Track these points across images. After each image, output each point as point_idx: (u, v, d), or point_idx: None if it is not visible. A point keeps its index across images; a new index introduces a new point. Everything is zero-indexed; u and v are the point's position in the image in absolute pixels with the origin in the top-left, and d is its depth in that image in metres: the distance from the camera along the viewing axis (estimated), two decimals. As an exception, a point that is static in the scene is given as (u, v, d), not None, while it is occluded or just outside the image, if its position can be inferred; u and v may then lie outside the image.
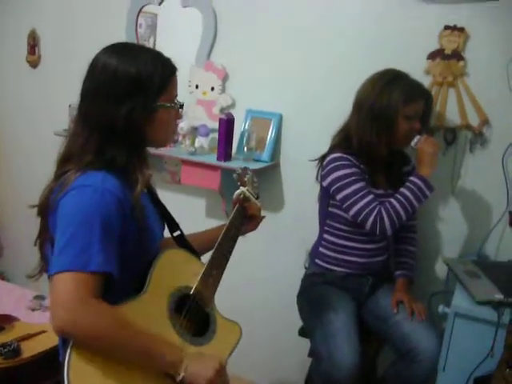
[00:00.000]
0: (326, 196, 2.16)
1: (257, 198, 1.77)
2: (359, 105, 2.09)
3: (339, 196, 2.05)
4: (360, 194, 2.01)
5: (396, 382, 2.06)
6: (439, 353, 1.90)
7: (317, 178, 2.22)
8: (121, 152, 1.36)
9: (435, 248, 2.39)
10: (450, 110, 2.25)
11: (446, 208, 2.34)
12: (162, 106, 1.40)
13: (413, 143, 2.08)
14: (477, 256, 2.25)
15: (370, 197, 2.01)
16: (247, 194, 1.72)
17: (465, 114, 2.23)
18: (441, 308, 1.94)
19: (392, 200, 2.02)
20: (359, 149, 2.07)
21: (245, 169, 1.85)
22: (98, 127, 1.35)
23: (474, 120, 2.22)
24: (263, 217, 1.80)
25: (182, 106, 1.48)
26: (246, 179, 1.79)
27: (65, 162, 1.37)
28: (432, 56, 2.24)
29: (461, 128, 2.25)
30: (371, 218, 1.99)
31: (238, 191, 1.73)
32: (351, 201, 2.02)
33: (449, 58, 2.20)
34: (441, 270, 2.33)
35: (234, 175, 1.80)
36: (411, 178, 2.03)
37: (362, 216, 2.00)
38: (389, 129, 2.03)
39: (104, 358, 1.24)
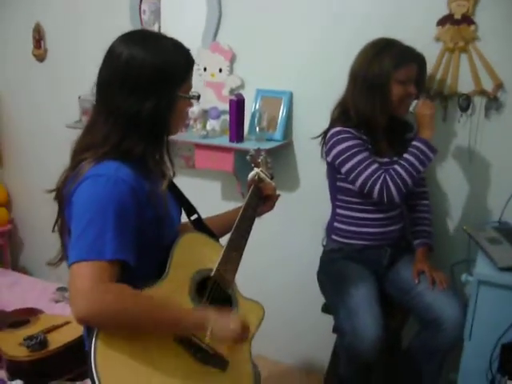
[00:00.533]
0: (333, 171, 2.17)
1: (271, 179, 1.76)
2: (353, 76, 2.10)
3: (344, 169, 2.05)
4: (364, 165, 2.01)
5: (422, 353, 2.06)
6: (464, 321, 1.89)
7: (322, 155, 2.21)
8: (140, 142, 1.35)
9: (455, 217, 2.37)
10: (463, 77, 2.21)
11: (464, 176, 2.31)
12: (182, 97, 1.40)
13: (411, 108, 2.09)
14: (498, 223, 2.22)
15: (375, 166, 2.01)
16: (262, 175, 1.71)
17: (478, 80, 2.19)
18: (464, 276, 1.92)
19: (396, 166, 2.02)
20: (358, 120, 2.07)
21: (258, 150, 1.83)
22: (123, 119, 1.34)
23: (487, 85, 2.18)
24: (278, 195, 1.79)
25: (199, 97, 1.47)
26: (259, 160, 1.78)
27: (82, 152, 1.36)
28: (441, 22, 2.19)
29: (475, 94, 2.21)
30: (377, 187, 1.99)
31: (252, 172, 1.72)
32: (356, 172, 2.02)
33: (459, 23, 2.16)
34: (462, 238, 2.30)
35: (248, 157, 1.79)
36: (413, 143, 2.04)
37: (368, 186, 2.01)
38: (383, 96, 2.04)
39: (130, 345, 1.24)
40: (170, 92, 1.37)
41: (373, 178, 2.00)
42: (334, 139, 2.07)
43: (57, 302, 2.44)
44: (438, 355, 2.03)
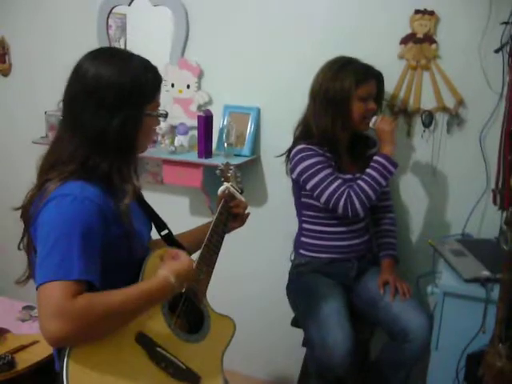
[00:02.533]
0: (297, 187, 2.22)
1: (241, 193, 1.77)
2: (314, 94, 2.15)
3: (308, 185, 2.10)
4: (328, 181, 2.06)
5: (389, 364, 2.10)
6: (430, 331, 1.93)
7: (286, 173, 2.26)
8: (106, 160, 1.34)
9: (419, 230, 2.43)
10: (426, 93, 2.28)
11: (428, 190, 2.37)
12: (149, 114, 1.40)
13: (371, 124, 2.15)
14: (461, 235, 2.28)
15: (338, 182, 2.06)
16: (231, 189, 1.72)
17: (440, 97, 2.26)
18: (429, 288, 1.97)
19: (359, 181, 2.07)
20: (320, 137, 2.12)
21: (227, 164, 1.85)
22: (89, 137, 1.34)
23: (449, 102, 2.25)
24: (248, 213, 1.79)
25: (166, 116, 1.48)
26: (229, 174, 1.79)
27: (49, 169, 1.35)
28: (404, 41, 2.26)
29: (437, 110, 2.28)
30: (341, 202, 2.04)
31: (222, 187, 1.73)
32: (320, 188, 2.07)
33: (421, 41, 2.23)
34: (426, 251, 2.35)
35: (217, 171, 1.80)
36: (375, 158, 2.10)
37: (332, 201, 2.05)
38: (344, 112, 2.09)
39: (103, 364, 1.23)
40: (137, 110, 1.37)
41: (337, 194, 2.04)
42: (298, 156, 2.11)
43: (23, 320, 2.39)
44: (405, 366, 2.06)
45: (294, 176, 2.16)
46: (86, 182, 1.31)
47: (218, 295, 1.66)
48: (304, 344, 2.28)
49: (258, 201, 2.69)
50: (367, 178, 2.06)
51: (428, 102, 2.28)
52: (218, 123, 2.63)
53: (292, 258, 2.35)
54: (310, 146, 2.11)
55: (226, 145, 2.55)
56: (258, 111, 2.60)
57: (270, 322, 2.77)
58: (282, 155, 2.26)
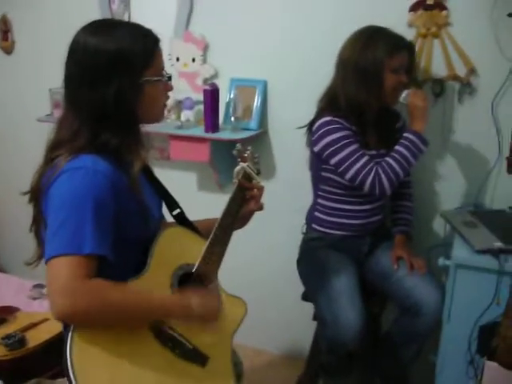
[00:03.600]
0: (318, 161, 2.13)
1: (258, 174, 1.75)
2: (343, 64, 2.06)
3: (333, 161, 2.02)
4: (355, 157, 1.99)
5: (401, 338, 2.08)
6: (442, 305, 1.92)
7: (307, 144, 2.19)
8: (114, 134, 1.33)
9: (431, 202, 2.39)
10: (436, 62, 2.22)
11: (439, 161, 2.33)
12: (148, 80, 1.36)
13: (401, 98, 2.06)
14: (473, 206, 2.25)
15: (365, 158, 1.99)
16: (248, 170, 1.69)
17: (451, 65, 2.20)
18: (441, 260, 1.94)
19: (388, 159, 2.00)
20: (348, 108, 2.04)
21: (244, 145, 1.82)
22: (90, 112, 1.32)
23: (460, 70, 2.20)
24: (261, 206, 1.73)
25: (170, 78, 1.43)
26: (246, 155, 1.76)
27: (56, 147, 1.34)
28: (414, 8, 2.20)
29: (448, 79, 2.22)
30: (369, 180, 1.97)
31: (238, 167, 1.70)
32: (346, 164, 1.99)
33: (431, 8, 2.16)
34: (438, 223, 2.33)
35: (234, 151, 1.76)
36: (405, 135, 2.02)
37: (359, 179, 1.98)
38: (376, 83, 2.01)
39: (108, 341, 1.23)
40: (132, 77, 1.33)
41: (364, 171, 1.97)
42: (323, 129, 2.03)
43: (34, 299, 2.40)
44: (417, 339, 2.05)
45: (316, 149, 2.08)
46: (97, 155, 1.29)
47: (229, 271, 1.64)
48: (315, 318, 2.27)
49: (265, 175, 2.65)
50: (396, 156, 1.99)
51: (439, 71, 2.23)
52: (224, 97, 2.59)
53: (303, 231, 2.32)
54: (336, 119, 2.02)
55: (232, 118, 2.52)
56: (265, 84, 2.55)
57: (281, 296, 2.77)
58: (303, 127, 2.18)
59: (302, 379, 2.45)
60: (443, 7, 2.15)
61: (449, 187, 2.35)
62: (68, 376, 1.15)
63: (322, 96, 2.15)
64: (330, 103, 2.10)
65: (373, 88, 2.01)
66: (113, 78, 1.30)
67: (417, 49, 2.21)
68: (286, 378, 2.57)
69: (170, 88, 1.46)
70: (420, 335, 2.03)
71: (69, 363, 1.16)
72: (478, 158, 2.26)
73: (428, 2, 2.16)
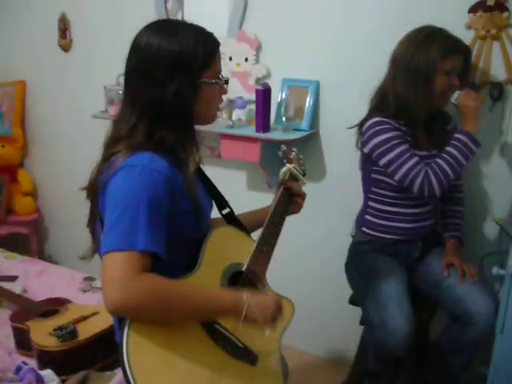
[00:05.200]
0: (368, 162, 2.11)
1: (303, 175, 1.74)
2: (396, 62, 2.03)
3: (382, 161, 2.00)
4: (404, 157, 1.95)
5: (451, 346, 2.04)
6: (495, 314, 1.86)
7: (357, 145, 2.17)
8: (170, 132, 1.34)
9: (484, 208, 2.33)
10: (495, 65, 2.16)
11: (494, 166, 2.27)
12: (206, 82, 1.37)
13: (453, 99, 2.03)
14: (529, 214, 2.18)
15: (415, 159, 1.96)
16: (294, 171, 1.69)
17: (511, 68, 2.13)
18: (495, 270, 1.89)
19: (438, 160, 1.96)
20: (397, 108, 2.01)
21: (290, 146, 1.81)
22: (147, 109, 1.34)
23: (521, 73, 2.13)
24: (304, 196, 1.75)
25: (227, 82, 1.45)
26: (291, 156, 1.75)
27: (114, 144, 1.36)
28: (473, 9, 2.14)
29: (507, 82, 2.16)
30: (418, 181, 1.94)
31: (284, 168, 1.70)
32: (395, 165, 1.97)
33: (492, 9, 2.10)
34: (492, 230, 2.27)
35: (280, 153, 1.76)
36: (456, 136, 1.97)
37: (408, 179, 1.95)
38: (427, 84, 1.97)
39: (163, 338, 1.24)
40: (191, 78, 1.35)
41: (414, 172, 1.94)
42: (373, 130, 2.01)
43: (84, 291, 2.44)
44: (467, 349, 2.00)
45: (366, 150, 2.06)
46: (154, 153, 1.31)
47: (275, 271, 1.64)
48: (362, 323, 2.25)
49: (315, 176, 2.64)
50: (447, 157, 1.95)
51: (498, 74, 2.16)
52: (276, 97, 2.58)
53: (353, 233, 2.30)
54: (385, 119, 2.00)
55: (284, 119, 2.51)
56: (318, 85, 2.54)
57: (328, 299, 2.75)
58: (353, 127, 2.16)
59: (347, 384, 2.42)
60: (504, 8, 2.09)
61: (503, 193, 2.28)
62: (125, 372, 1.16)
63: (374, 95, 2.13)
64: (380, 103, 2.08)
65: (422, 89, 1.97)
66: (173, 77, 1.32)
67: (475, 51, 2.16)
68: (330, 382, 2.55)
69: (225, 91, 1.48)
70: (470, 345, 1.98)
71: (125, 359, 1.17)
72: (536, 165, 2.19)
73: (488, 3, 2.10)
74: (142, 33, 1.37)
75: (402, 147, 1.97)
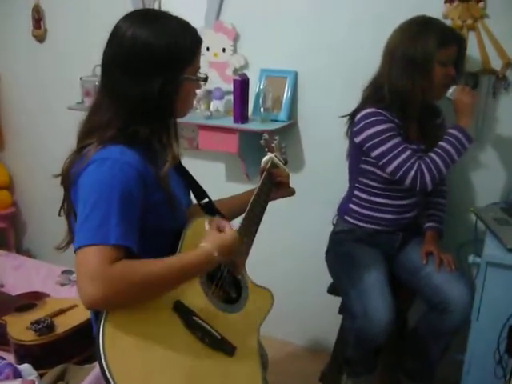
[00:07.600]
0: (359, 152, 2.10)
1: (285, 164, 1.74)
2: (391, 53, 2.02)
3: (375, 153, 2.00)
4: (397, 150, 1.96)
5: (428, 334, 2.07)
6: (471, 303, 1.89)
7: (347, 134, 2.15)
8: (145, 126, 1.33)
9: (462, 198, 2.36)
10: (471, 55, 2.17)
11: (472, 156, 2.28)
12: (188, 78, 1.37)
13: (448, 94, 2.02)
14: (504, 203, 2.20)
15: (408, 152, 1.96)
16: (275, 160, 1.68)
17: (487, 58, 2.16)
18: (471, 258, 1.91)
19: (432, 154, 1.97)
20: (392, 99, 2.00)
21: (271, 134, 1.81)
22: (127, 103, 1.32)
23: (496, 63, 2.15)
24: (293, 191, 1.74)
25: (206, 80, 1.43)
26: (273, 145, 1.75)
27: (88, 135, 1.35)
28: (450, -1, 2.15)
29: (483, 72, 2.18)
30: (411, 174, 1.94)
31: (266, 157, 1.69)
32: (388, 157, 1.96)
33: (468, -1, 2.12)
34: (468, 219, 2.29)
35: (262, 141, 1.76)
36: (450, 131, 1.98)
37: (401, 172, 1.95)
38: (423, 74, 1.96)
39: (139, 330, 1.24)
40: (176, 74, 1.34)
41: (407, 165, 1.94)
42: (367, 121, 2.00)
43: (62, 285, 2.43)
44: (444, 337, 2.03)
45: (357, 140, 2.04)
46: (125, 146, 1.30)
47: (256, 262, 1.64)
48: (340, 312, 2.26)
49: (294, 167, 2.63)
50: (440, 152, 1.95)
51: (473, 64, 2.18)
52: (254, 87, 2.58)
53: (334, 222, 2.30)
54: (380, 111, 1.99)
55: (262, 109, 2.51)
56: (296, 75, 2.53)
57: (307, 288, 2.76)
58: (345, 116, 2.14)
59: (326, 373, 2.44)
60: (480, -1, 2.11)
61: (480, 183, 2.31)
62: (101, 365, 1.15)
63: (368, 85, 2.11)
64: (374, 93, 2.06)
65: (419, 79, 1.97)
66: (159, 71, 1.31)
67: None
68: (310, 371, 2.56)
69: (201, 87, 1.49)
70: (447, 332, 2.01)
71: (101, 353, 1.16)
72: (511, 154, 2.21)
73: (464, -6, 2.12)
74: (125, 23, 1.34)
75: (396, 140, 1.97)
